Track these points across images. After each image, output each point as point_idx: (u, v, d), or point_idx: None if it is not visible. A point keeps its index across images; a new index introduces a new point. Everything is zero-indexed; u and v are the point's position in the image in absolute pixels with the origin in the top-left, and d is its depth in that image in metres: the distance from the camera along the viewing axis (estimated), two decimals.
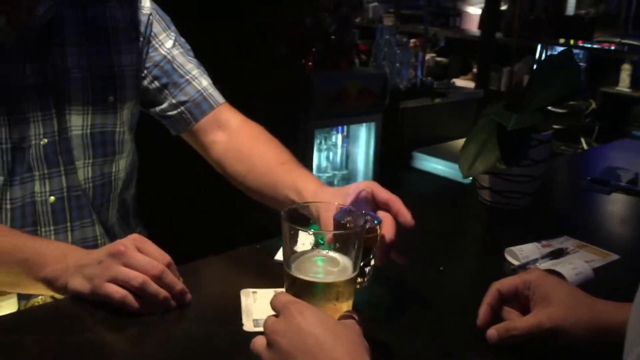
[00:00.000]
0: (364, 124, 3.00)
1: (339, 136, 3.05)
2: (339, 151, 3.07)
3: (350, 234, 0.70)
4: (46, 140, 0.99)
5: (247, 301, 0.80)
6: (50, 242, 0.92)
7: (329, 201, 0.83)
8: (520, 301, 0.76)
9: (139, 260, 0.77)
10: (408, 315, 0.83)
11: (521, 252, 0.98)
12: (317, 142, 2.87)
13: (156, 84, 1.11)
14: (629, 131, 3.81)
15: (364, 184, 0.84)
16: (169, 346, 0.74)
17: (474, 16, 5.04)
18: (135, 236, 0.81)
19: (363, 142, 3.05)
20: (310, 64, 2.75)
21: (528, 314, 0.73)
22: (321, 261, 0.70)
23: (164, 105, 1.12)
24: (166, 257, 0.80)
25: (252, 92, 2.99)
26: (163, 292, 0.77)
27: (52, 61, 0.98)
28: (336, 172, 3.04)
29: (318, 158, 2.94)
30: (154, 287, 0.77)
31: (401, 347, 0.74)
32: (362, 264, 0.72)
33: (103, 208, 1.11)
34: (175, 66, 1.12)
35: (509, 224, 1.16)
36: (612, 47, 4.13)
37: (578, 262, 0.94)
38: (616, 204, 1.29)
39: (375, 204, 0.84)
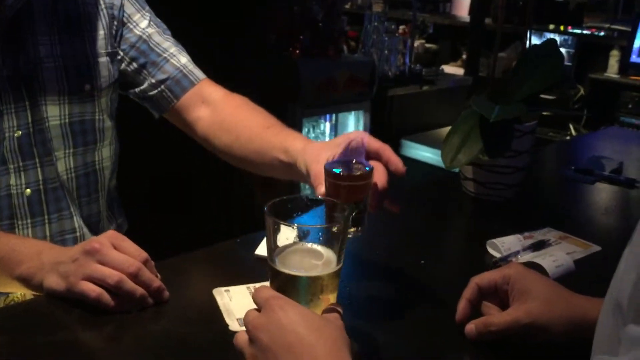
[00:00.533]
0: (352, 112, 2.99)
1: (327, 124, 3.04)
2: (327, 140, 3.06)
3: (335, 227, 0.69)
4: (20, 133, 0.97)
5: (222, 301, 0.79)
6: (25, 240, 0.91)
7: (317, 155, 0.82)
8: (500, 296, 0.75)
9: (115, 258, 0.76)
10: (387, 308, 0.82)
11: (503, 245, 0.98)
12: (305, 130, 2.85)
13: (134, 65, 1.10)
14: (617, 117, 3.81)
15: (354, 133, 0.82)
16: (146, 345, 0.73)
17: (464, 2, 5.01)
18: (111, 233, 0.80)
19: (351, 130, 3.04)
20: (297, 51, 2.73)
21: (507, 309, 0.73)
22: (305, 255, 0.69)
23: (144, 86, 1.11)
24: (143, 254, 0.79)
25: (239, 80, 2.97)
26: (140, 290, 0.76)
27: (23, 52, 0.96)
28: None
29: None
30: (130, 284, 0.76)
31: (378, 341, 0.74)
32: (354, 213, 0.72)
33: (91, 199, 1.09)
34: (152, 45, 1.10)
35: (492, 215, 1.16)
36: (602, 33, 4.12)
37: (559, 254, 0.94)
38: (600, 194, 1.29)
39: (366, 154, 0.81)
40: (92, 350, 0.72)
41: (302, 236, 0.69)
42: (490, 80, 1.29)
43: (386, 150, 0.81)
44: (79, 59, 1.03)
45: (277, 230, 0.68)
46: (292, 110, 2.66)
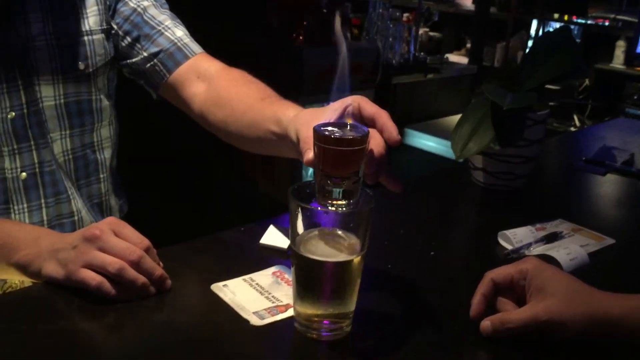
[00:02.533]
0: None
1: None
2: None
3: (360, 213, 0.67)
4: (14, 114, 0.94)
5: (227, 297, 0.76)
6: (22, 225, 0.88)
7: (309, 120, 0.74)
8: (516, 291, 0.73)
9: (116, 245, 0.73)
10: (397, 303, 0.80)
11: (515, 236, 0.96)
12: None
13: (127, 39, 1.06)
14: (622, 108, 3.78)
15: (350, 98, 0.73)
16: (148, 334, 0.70)
17: None
18: (111, 219, 0.78)
19: None
20: (301, 38, 2.69)
21: (524, 306, 0.70)
22: (330, 239, 0.67)
23: (136, 59, 1.06)
24: (145, 241, 0.76)
25: (242, 67, 2.93)
26: (141, 278, 0.74)
27: (15, 30, 0.93)
28: None
29: None
30: (131, 272, 0.73)
31: (390, 337, 0.71)
32: (345, 183, 0.66)
33: (91, 180, 1.07)
34: (147, 18, 1.06)
35: (502, 206, 1.13)
36: (607, 23, 4.07)
37: (573, 247, 0.92)
38: (611, 186, 1.26)
39: (362, 120, 0.75)
40: (93, 339, 0.70)
41: (327, 220, 0.67)
42: (501, 66, 1.25)
43: (382, 115, 0.73)
44: (72, 36, 0.99)
45: (301, 214, 0.65)
46: (294, 97, 2.63)
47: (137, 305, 0.73)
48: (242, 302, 0.75)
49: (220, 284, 0.79)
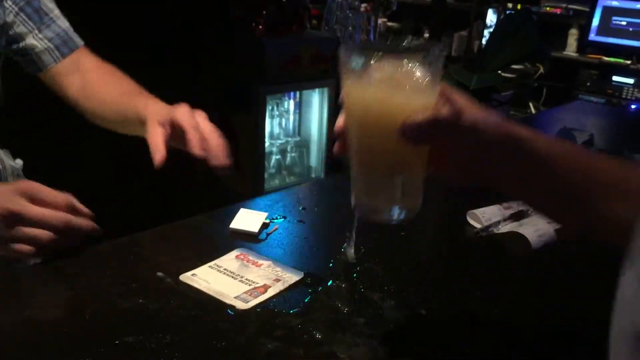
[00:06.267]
0: (317, 90, 2.94)
1: (292, 102, 2.99)
2: (292, 117, 3.00)
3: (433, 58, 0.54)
4: None
5: (201, 285, 0.74)
6: None
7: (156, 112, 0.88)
8: None
9: (37, 215, 0.73)
10: (370, 281, 0.79)
11: (483, 215, 0.96)
12: (269, 108, 2.79)
13: (22, 16, 1.05)
14: (576, 95, 3.87)
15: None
16: (116, 321, 0.68)
17: None
18: (23, 186, 0.75)
19: (316, 108, 2.99)
20: (261, 27, 2.66)
21: None
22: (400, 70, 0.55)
23: (30, 41, 1.06)
24: (65, 200, 0.76)
25: (203, 57, 2.88)
26: (72, 236, 0.76)
27: None
28: (289, 139, 2.98)
29: (270, 124, 2.87)
30: (63, 239, 0.75)
31: (359, 317, 0.71)
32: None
33: None
34: (40, 4, 1.07)
35: (469, 187, 1.13)
36: (559, 12, 4.17)
37: (540, 224, 0.93)
38: None
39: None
40: (57, 326, 0.67)
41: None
42: (465, 54, 1.26)
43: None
44: None
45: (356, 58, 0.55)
46: (255, 88, 2.61)
47: (104, 291, 0.71)
48: (219, 289, 0.73)
49: (189, 273, 0.76)
